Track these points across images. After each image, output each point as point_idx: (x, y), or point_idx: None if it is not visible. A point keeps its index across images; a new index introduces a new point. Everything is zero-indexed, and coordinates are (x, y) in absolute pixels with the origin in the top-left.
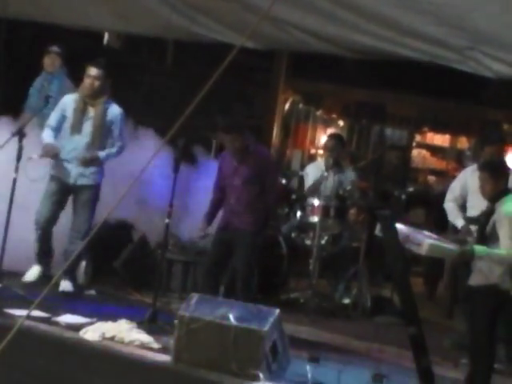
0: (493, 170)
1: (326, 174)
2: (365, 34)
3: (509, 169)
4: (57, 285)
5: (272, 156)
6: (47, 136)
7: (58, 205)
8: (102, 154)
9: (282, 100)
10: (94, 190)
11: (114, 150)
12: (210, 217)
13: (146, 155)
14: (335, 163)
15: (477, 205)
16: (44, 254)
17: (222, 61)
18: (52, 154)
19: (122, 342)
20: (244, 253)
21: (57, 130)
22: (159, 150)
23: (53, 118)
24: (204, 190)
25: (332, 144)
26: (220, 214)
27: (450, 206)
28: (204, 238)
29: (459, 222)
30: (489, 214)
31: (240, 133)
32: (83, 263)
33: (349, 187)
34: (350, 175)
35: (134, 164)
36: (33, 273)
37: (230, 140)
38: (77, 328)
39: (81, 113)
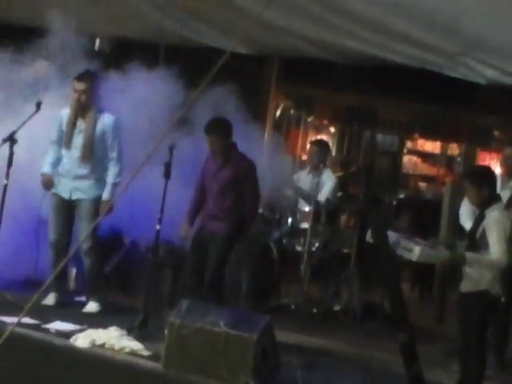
0: (474, 178)
1: (308, 175)
2: (356, 39)
3: (493, 175)
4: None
5: (253, 164)
6: (46, 163)
7: (64, 222)
8: (106, 194)
9: (273, 105)
10: (93, 204)
11: (112, 178)
12: (191, 216)
13: None
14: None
15: None
16: (58, 278)
17: (213, 66)
18: (46, 184)
19: (113, 349)
20: (215, 257)
21: (59, 145)
22: (152, 153)
23: (54, 134)
24: None
25: (314, 150)
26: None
27: (462, 209)
28: (184, 238)
29: (467, 225)
30: (478, 220)
31: (219, 135)
32: (74, 270)
33: (339, 194)
34: (329, 180)
35: None
36: (50, 300)
37: (209, 141)
38: (67, 335)
39: (72, 126)
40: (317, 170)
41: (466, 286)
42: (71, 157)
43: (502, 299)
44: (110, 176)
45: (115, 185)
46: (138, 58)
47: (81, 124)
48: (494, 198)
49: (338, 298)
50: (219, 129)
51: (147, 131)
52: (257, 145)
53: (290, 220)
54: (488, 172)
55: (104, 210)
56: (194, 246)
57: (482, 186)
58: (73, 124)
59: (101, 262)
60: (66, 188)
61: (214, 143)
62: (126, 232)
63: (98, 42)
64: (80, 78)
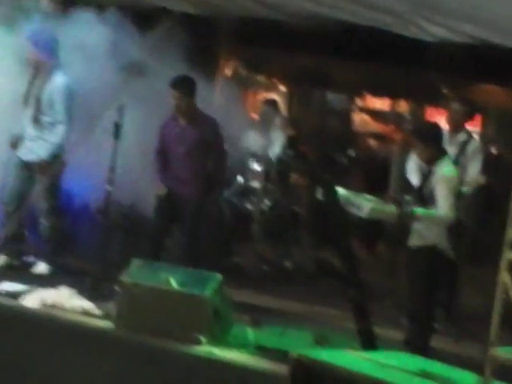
0: (421, 135)
1: (258, 134)
2: None
3: (440, 131)
4: None
5: (217, 122)
6: (19, 124)
7: (19, 184)
8: (45, 153)
9: (225, 66)
10: (47, 165)
11: (54, 139)
12: (162, 176)
13: None
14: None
15: None
16: (8, 239)
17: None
18: (12, 144)
19: (63, 309)
20: (189, 223)
21: None
22: (101, 117)
23: None
24: None
25: (265, 109)
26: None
27: (410, 164)
28: (161, 198)
29: (414, 180)
30: (426, 175)
31: (185, 91)
32: (25, 231)
33: (290, 152)
34: (278, 138)
35: None
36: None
37: (175, 96)
38: (17, 295)
39: (29, 86)
40: (268, 129)
41: (414, 241)
42: (27, 117)
43: (450, 253)
44: (53, 136)
45: (57, 145)
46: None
47: (36, 82)
48: (441, 154)
49: (289, 256)
50: (186, 84)
51: (96, 90)
52: (209, 105)
53: (240, 179)
54: (435, 128)
55: (44, 170)
56: (159, 209)
57: (429, 142)
58: (30, 84)
59: (58, 224)
60: (23, 149)
61: (180, 98)
62: (75, 193)
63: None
64: (28, 37)
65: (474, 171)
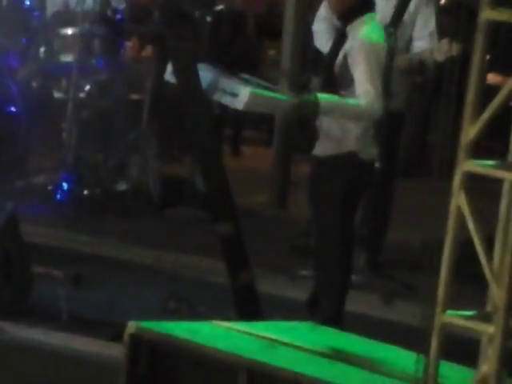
0: None
1: None
2: None
3: None
4: None
5: None
6: None
7: None
8: None
9: None
10: None
11: None
12: None
13: None
14: None
15: None
16: None
17: None
18: None
19: None
20: None
21: None
22: None
23: None
24: None
25: None
26: None
27: (318, 25)
28: None
29: (326, 49)
30: (337, 41)
31: None
32: None
33: (123, 5)
34: None
35: None
36: None
37: None
38: None
39: None
40: None
41: (322, 148)
42: None
43: (377, 165)
44: None
45: None
46: None
47: None
48: (362, 7)
49: (124, 172)
50: None
51: None
52: None
53: (42, 50)
54: None
55: None
56: None
57: None
58: None
59: None
60: None
61: None
62: None
63: None
64: None
65: (425, 33)
